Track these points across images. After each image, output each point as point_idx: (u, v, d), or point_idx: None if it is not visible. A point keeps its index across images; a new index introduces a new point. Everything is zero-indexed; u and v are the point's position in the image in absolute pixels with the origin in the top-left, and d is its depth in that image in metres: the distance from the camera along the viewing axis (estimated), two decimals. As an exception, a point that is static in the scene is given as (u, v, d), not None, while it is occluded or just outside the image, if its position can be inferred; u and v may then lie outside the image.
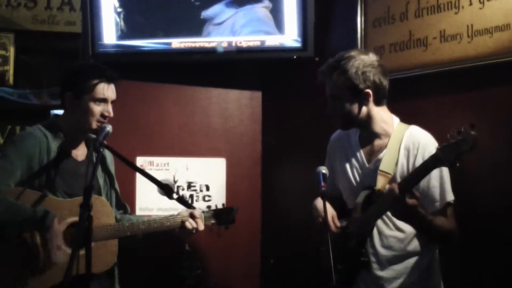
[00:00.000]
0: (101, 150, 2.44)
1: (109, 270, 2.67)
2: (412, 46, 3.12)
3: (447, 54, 2.96)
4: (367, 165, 2.55)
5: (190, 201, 3.65)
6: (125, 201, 2.91)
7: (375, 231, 2.48)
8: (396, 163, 2.44)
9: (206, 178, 3.77)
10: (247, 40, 3.62)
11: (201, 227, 2.75)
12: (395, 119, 2.57)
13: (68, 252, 2.46)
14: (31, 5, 4.22)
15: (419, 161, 2.39)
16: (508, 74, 2.75)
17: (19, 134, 3.62)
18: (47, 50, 4.21)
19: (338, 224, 2.55)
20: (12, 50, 4.15)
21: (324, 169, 2.42)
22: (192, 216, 2.74)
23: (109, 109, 2.62)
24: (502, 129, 2.78)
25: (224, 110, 3.87)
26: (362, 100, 2.48)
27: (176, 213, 2.79)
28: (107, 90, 2.60)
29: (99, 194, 2.69)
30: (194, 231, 2.74)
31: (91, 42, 3.66)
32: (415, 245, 2.48)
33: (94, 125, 2.58)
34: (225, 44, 3.63)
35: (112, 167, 2.82)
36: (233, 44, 3.63)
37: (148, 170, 3.46)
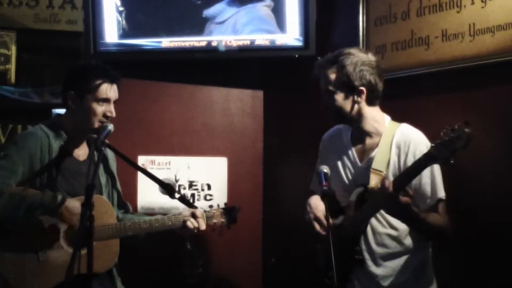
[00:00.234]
0: (103, 149, 2.45)
1: (111, 269, 2.68)
2: (414, 45, 3.11)
3: (448, 53, 2.96)
4: (359, 163, 2.57)
5: (191, 200, 3.65)
6: (126, 200, 2.92)
7: (368, 229, 2.51)
8: (388, 161, 2.47)
9: (207, 177, 3.77)
10: (248, 39, 3.62)
11: (203, 226, 2.75)
12: (387, 118, 2.60)
13: (70, 251, 2.46)
14: (33, 4, 4.22)
15: (410, 159, 2.42)
16: (510, 73, 2.74)
17: (21, 133, 3.62)
18: (49, 49, 4.22)
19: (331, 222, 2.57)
20: (13, 49, 4.16)
21: (325, 169, 2.44)
22: (193, 215, 2.74)
23: (111, 109, 2.62)
24: (504, 128, 2.77)
25: (225, 109, 3.88)
26: (356, 97, 2.51)
27: (177, 212, 2.79)
28: (110, 90, 2.61)
29: (101, 193, 2.69)
30: (195, 231, 2.74)
31: (92, 41, 3.66)
32: (408, 242, 2.50)
33: (96, 124, 2.59)
34: (227, 43, 3.63)
35: (114, 167, 2.82)
36: (235, 43, 3.63)
37: (149, 169, 3.46)
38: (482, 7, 2.83)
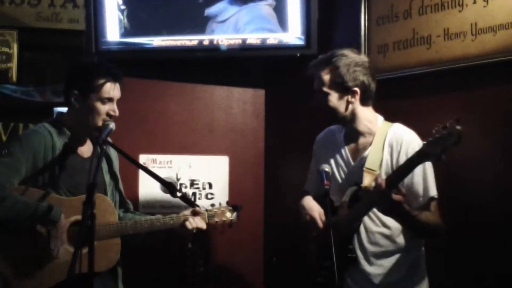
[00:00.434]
0: (104, 147, 2.45)
1: (112, 268, 2.67)
2: (416, 44, 3.11)
3: (450, 52, 2.95)
4: (352, 163, 2.60)
5: (192, 199, 3.65)
6: (128, 198, 2.91)
7: (362, 228, 2.53)
8: (381, 160, 2.49)
9: (209, 176, 3.77)
10: (250, 37, 3.61)
11: (204, 225, 2.75)
12: (380, 118, 2.63)
13: (71, 251, 2.46)
14: (34, 2, 4.23)
15: (402, 158, 2.44)
16: (512, 72, 2.74)
17: (24, 131, 3.62)
18: (51, 48, 4.22)
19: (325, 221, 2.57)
20: (15, 47, 4.16)
21: (327, 167, 2.49)
22: (195, 214, 2.74)
23: (115, 108, 2.62)
24: (505, 127, 2.77)
25: (227, 108, 3.87)
26: (350, 97, 2.54)
27: (178, 211, 2.79)
28: (113, 89, 2.60)
29: (105, 192, 2.69)
30: (195, 230, 2.73)
31: (94, 40, 3.66)
32: (401, 241, 2.52)
33: (100, 123, 2.58)
34: (228, 42, 3.62)
35: (117, 167, 2.82)
36: (237, 41, 3.62)
37: (151, 167, 3.46)
38: (484, 6, 2.82)
